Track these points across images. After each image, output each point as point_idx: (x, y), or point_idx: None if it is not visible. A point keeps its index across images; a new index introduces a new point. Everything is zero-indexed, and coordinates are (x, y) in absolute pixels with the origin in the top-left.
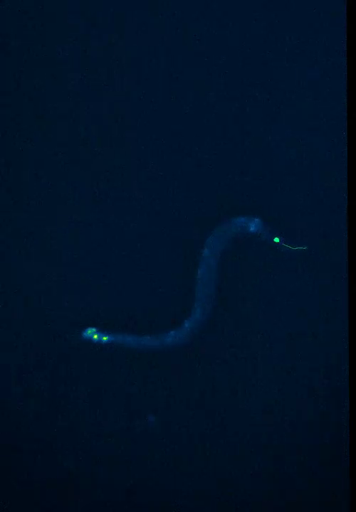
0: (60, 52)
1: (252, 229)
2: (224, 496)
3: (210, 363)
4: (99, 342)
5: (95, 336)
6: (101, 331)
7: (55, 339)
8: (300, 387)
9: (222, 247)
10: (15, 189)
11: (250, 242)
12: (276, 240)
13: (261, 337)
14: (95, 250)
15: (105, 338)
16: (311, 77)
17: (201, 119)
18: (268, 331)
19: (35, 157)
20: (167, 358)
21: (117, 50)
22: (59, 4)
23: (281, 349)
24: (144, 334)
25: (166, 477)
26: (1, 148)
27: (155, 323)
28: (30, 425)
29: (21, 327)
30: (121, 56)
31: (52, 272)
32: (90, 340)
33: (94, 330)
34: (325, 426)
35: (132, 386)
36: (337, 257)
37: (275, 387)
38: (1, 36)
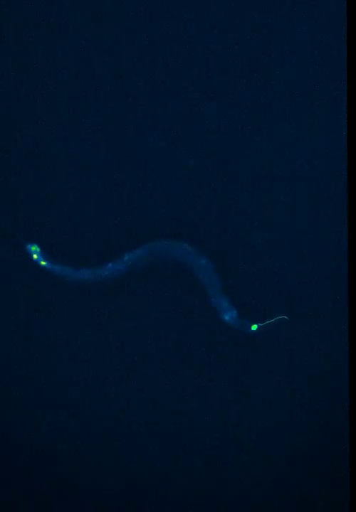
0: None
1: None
2: (222, 496)
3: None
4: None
5: (35, 256)
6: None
7: None
8: (300, 387)
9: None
10: None
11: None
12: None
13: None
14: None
15: (43, 263)
16: (310, 78)
17: (200, 117)
18: (266, 330)
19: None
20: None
21: (115, 48)
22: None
23: (280, 349)
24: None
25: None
26: None
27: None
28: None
29: None
30: (119, 51)
31: None
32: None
33: (38, 250)
34: (324, 426)
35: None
36: (338, 256)
37: (274, 387)
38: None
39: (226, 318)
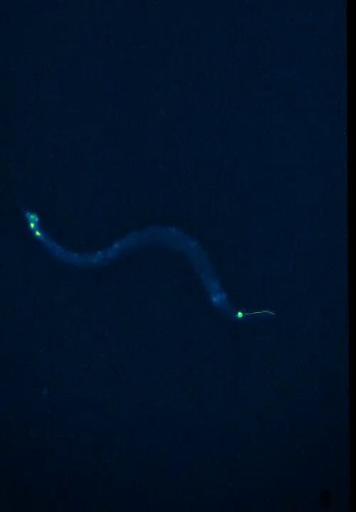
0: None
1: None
2: (220, 496)
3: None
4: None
5: (32, 225)
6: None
7: None
8: (299, 385)
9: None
10: None
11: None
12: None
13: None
14: None
15: (37, 234)
16: (310, 78)
17: (199, 117)
18: (266, 329)
19: None
20: None
21: (114, 46)
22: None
23: (279, 348)
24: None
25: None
26: None
27: None
28: None
29: None
30: (118, 49)
31: None
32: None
33: (36, 220)
34: (324, 425)
35: None
36: (338, 256)
37: (273, 385)
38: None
39: (214, 300)
